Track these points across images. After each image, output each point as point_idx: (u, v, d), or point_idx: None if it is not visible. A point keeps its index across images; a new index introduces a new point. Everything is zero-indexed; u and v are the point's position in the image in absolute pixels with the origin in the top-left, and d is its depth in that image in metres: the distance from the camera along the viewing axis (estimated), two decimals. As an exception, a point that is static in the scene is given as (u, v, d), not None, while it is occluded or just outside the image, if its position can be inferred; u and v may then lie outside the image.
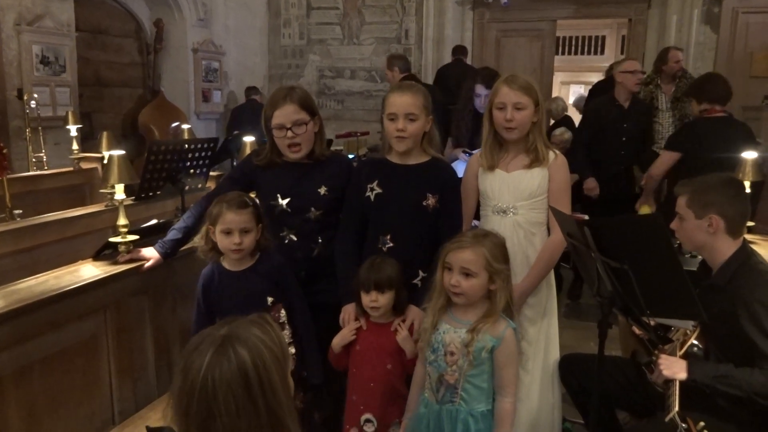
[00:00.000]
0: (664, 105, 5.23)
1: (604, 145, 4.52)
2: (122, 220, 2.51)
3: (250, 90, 7.21)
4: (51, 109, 5.23)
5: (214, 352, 1.08)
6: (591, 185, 4.53)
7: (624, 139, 4.53)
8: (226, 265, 2.24)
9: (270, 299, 2.23)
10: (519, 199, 2.35)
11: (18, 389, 2.03)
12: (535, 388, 2.38)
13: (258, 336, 1.13)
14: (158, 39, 6.68)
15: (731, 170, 3.18)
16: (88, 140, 5.32)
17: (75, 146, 4.44)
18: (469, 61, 7.32)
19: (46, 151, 4.68)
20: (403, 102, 2.24)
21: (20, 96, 4.96)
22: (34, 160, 4.57)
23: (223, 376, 1.06)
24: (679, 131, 4.43)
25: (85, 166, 4.57)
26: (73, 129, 4.37)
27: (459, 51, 6.67)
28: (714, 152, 3.68)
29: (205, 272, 2.26)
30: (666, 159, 4.10)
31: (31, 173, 4.39)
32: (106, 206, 3.59)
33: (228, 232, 2.14)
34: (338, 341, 2.24)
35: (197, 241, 2.30)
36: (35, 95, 4.78)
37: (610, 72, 5.61)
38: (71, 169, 4.52)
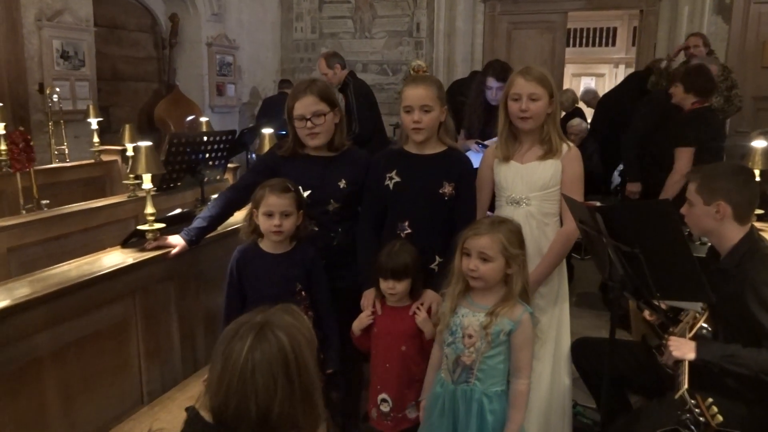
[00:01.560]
0: None
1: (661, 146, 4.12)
2: (149, 209, 2.60)
3: (283, 83, 7.36)
4: (71, 103, 5.33)
5: (254, 336, 1.17)
6: (635, 189, 4.33)
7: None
8: (263, 247, 2.33)
9: (299, 285, 2.33)
10: (532, 190, 2.41)
11: (55, 369, 2.13)
12: (547, 374, 2.45)
13: (291, 322, 1.23)
14: (173, 33, 6.76)
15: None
16: (105, 134, 5.41)
17: (96, 139, 4.55)
18: (479, 54, 7.38)
19: (67, 144, 4.79)
20: (417, 94, 2.32)
21: (41, 90, 5.07)
22: (56, 152, 4.67)
23: (264, 357, 1.15)
24: (688, 126, 4.22)
25: (105, 158, 4.68)
26: (93, 122, 4.47)
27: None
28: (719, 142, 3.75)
29: (242, 248, 2.35)
30: (687, 155, 3.90)
31: (53, 165, 4.50)
32: (128, 197, 3.69)
33: (270, 215, 2.24)
34: (357, 325, 2.35)
35: (240, 222, 2.40)
36: (57, 89, 4.87)
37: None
38: (92, 161, 4.63)
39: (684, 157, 3.84)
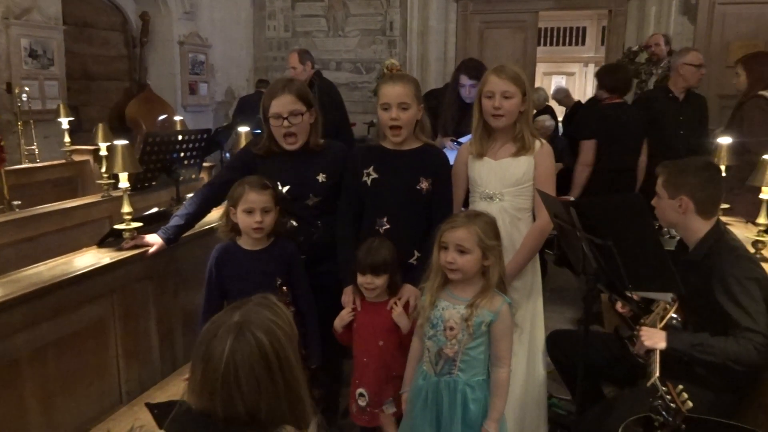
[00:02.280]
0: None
1: (657, 137, 4.15)
2: (126, 208, 2.58)
3: (261, 82, 7.33)
4: (40, 103, 5.25)
5: (234, 338, 1.15)
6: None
7: (681, 132, 4.23)
8: (242, 244, 2.34)
9: (279, 281, 2.34)
10: (505, 186, 2.45)
11: (33, 370, 2.11)
12: (522, 367, 2.49)
13: (270, 318, 1.21)
14: (144, 32, 6.69)
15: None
16: (76, 133, 5.33)
17: (66, 139, 4.48)
18: (452, 52, 7.45)
19: (37, 144, 4.71)
20: (395, 92, 2.35)
21: (9, 89, 4.98)
22: (26, 153, 4.60)
23: (245, 359, 1.14)
24: (588, 120, 4.35)
25: (77, 158, 4.62)
26: (64, 122, 4.41)
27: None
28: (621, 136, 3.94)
29: (221, 247, 2.36)
30: (588, 147, 4.08)
31: (24, 166, 4.43)
32: (102, 197, 3.65)
33: (250, 211, 2.25)
34: (338, 322, 2.37)
35: (217, 221, 2.40)
36: (26, 88, 4.79)
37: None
38: (63, 161, 4.56)
39: (584, 149, 4.06)
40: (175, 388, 2.40)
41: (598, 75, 4.40)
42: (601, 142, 4.00)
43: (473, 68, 3.61)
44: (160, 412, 1.23)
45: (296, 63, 5.06)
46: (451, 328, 2.06)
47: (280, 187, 2.46)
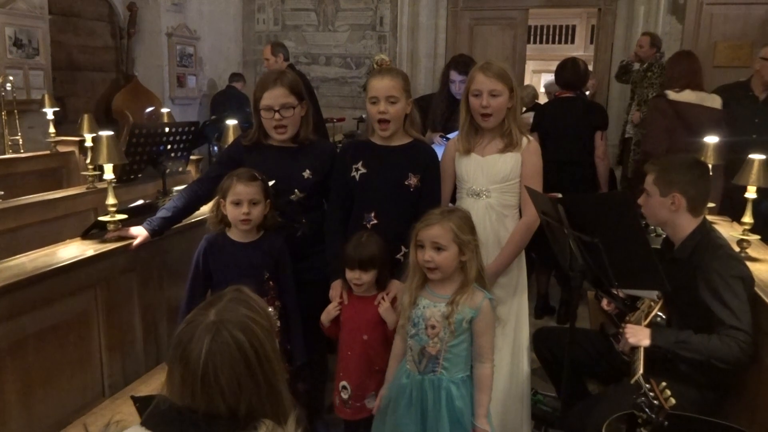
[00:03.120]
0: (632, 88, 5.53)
1: (730, 136, 3.68)
2: (111, 200, 2.55)
3: (234, 76, 7.25)
4: (24, 93, 5.18)
5: (211, 339, 1.13)
6: None
7: (753, 136, 3.85)
8: (231, 235, 2.33)
9: (266, 274, 2.33)
10: (492, 183, 2.45)
11: (14, 362, 2.08)
12: (506, 364, 2.49)
13: (247, 315, 1.19)
14: (131, 23, 6.61)
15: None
16: (61, 124, 5.26)
17: (51, 129, 4.42)
18: (442, 49, 7.44)
19: (21, 134, 4.64)
20: (383, 85, 2.34)
21: (-7, 79, 4.91)
22: (9, 143, 4.53)
23: (224, 360, 1.12)
24: (535, 114, 4.45)
25: (62, 149, 4.56)
26: (49, 112, 4.34)
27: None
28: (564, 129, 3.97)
29: (210, 237, 2.35)
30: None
31: (7, 156, 4.36)
32: (87, 188, 3.62)
33: (237, 203, 2.24)
34: (325, 317, 2.36)
35: (204, 214, 2.38)
36: (10, 78, 4.72)
37: None
38: (48, 152, 4.51)
39: None
40: (158, 382, 2.38)
41: (555, 72, 4.38)
42: (542, 135, 3.99)
43: (463, 64, 3.61)
44: (141, 405, 1.21)
45: (269, 55, 5.14)
46: (433, 327, 2.05)
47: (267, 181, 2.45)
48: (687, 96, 3.93)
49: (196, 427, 1.11)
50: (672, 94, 4.07)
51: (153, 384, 2.40)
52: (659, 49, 5.67)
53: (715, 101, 4.01)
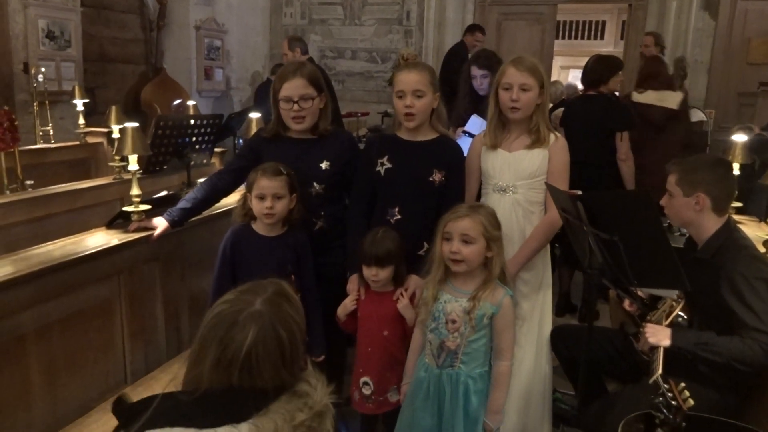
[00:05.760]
0: None
1: None
2: (135, 190, 2.60)
3: (277, 67, 7.32)
4: (56, 84, 5.28)
5: (258, 330, 1.18)
6: None
7: None
8: (257, 229, 2.36)
9: (290, 269, 2.35)
10: (519, 179, 2.43)
11: (39, 346, 2.14)
12: (528, 360, 2.48)
13: (288, 312, 1.24)
14: (161, 16, 6.70)
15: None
16: (91, 115, 5.37)
17: (81, 120, 4.50)
18: (469, 43, 7.40)
19: (52, 125, 4.74)
20: (410, 79, 2.34)
21: (26, 70, 5.02)
22: (41, 133, 4.63)
23: (267, 350, 1.18)
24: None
25: (91, 140, 4.64)
26: (79, 103, 4.43)
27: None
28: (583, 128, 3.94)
29: (236, 229, 2.37)
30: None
31: (38, 146, 4.46)
32: (114, 179, 3.68)
33: (261, 197, 2.27)
34: (341, 311, 2.37)
35: (229, 204, 2.39)
36: (42, 69, 4.82)
37: None
38: (77, 143, 4.59)
39: None
40: (180, 371, 2.42)
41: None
42: (566, 133, 3.90)
43: (484, 58, 3.59)
44: (128, 420, 1.17)
45: (286, 50, 5.27)
46: (453, 321, 2.06)
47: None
48: (648, 97, 4.24)
49: (245, 400, 1.15)
50: (635, 95, 4.52)
51: (174, 372, 2.43)
52: (663, 48, 5.66)
53: (673, 101, 4.39)
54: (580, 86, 6.10)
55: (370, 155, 2.47)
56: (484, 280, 2.06)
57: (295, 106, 2.40)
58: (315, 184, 2.46)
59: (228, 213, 2.50)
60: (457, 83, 3.86)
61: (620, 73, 4.11)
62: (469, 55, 5.33)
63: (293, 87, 2.40)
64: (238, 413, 1.14)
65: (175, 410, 1.15)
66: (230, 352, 1.16)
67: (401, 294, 2.31)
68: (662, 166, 3.39)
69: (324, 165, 2.47)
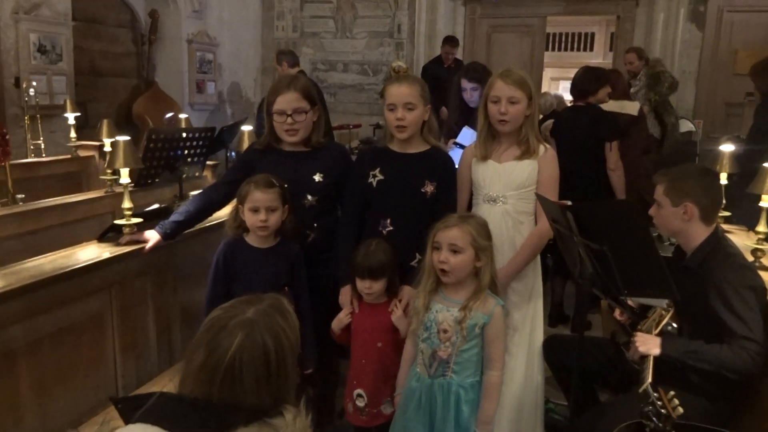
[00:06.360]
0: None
1: None
2: (127, 203, 2.60)
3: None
4: (48, 98, 5.28)
5: (244, 336, 1.18)
6: None
7: None
8: (250, 241, 2.35)
9: (283, 280, 2.36)
10: (509, 189, 2.45)
11: (29, 361, 2.13)
12: (520, 370, 2.49)
13: (281, 325, 1.24)
14: (153, 29, 6.71)
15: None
16: (83, 129, 5.36)
17: (72, 134, 4.50)
18: (460, 56, 7.45)
19: (43, 139, 4.74)
20: (401, 92, 2.36)
21: (17, 84, 5.01)
22: (32, 147, 4.62)
23: (252, 358, 1.17)
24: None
25: (82, 153, 4.64)
26: (71, 117, 4.43)
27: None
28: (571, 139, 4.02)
29: (229, 242, 2.37)
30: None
31: (29, 160, 4.44)
32: (105, 192, 3.68)
33: (255, 210, 2.26)
34: (336, 324, 2.37)
35: (221, 217, 2.40)
36: (33, 83, 4.82)
37: None
38: (69, 156, 4.59)
39: None
40: (171, 384, 2.41)
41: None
42: (556, 143, 4.02)
43: (473, 71, 3.62)
44: (125, 406, 1.22)
45: (275, 64, 5.46)
46: (445, 331, 2.07)
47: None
48: (609, 106, 4.29)
49: (211, 416, 1.14)
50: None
51: (166, 387, 2.42)
52: (647, 61, 5.73)
53: (633, 109, 4.53)
54: (568, 97, 6.19)
55: (362, 167, 2.48)
56: (474, 290, 2.07)
57: (289, 119, 2.41)
58: (308, 195, 2.47)
59: (220, 225, 2.49)
60: (440, 94, 3.90)
61: (608, 84, 4.17)
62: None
63: (286, 100, 2.41)
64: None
65: (163, 410, 1.15)
66: (216, 356, 1.17)
67: (395, 305, 2.32)
68: (628, 170, 3.79)
69: (317, 177, 2.48)
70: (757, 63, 4.70)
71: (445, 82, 5.09)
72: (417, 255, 2.40)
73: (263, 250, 2.35)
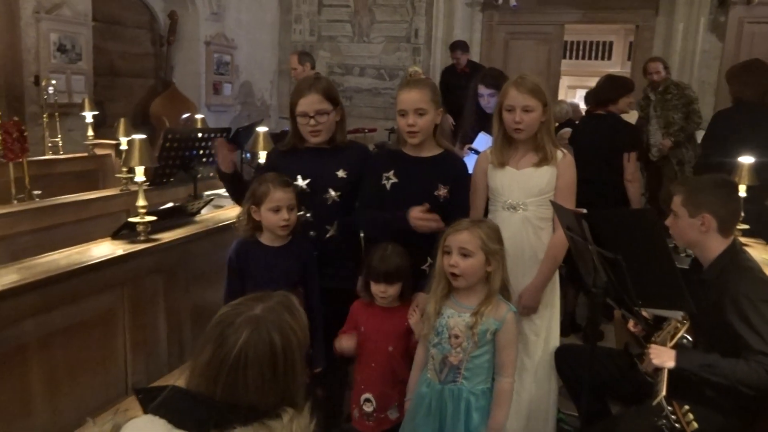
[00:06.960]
0: (653, 113, 5.46)
1: None
2: (141, 201, 2.62)
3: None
4: (66, 96, 5.33)
5: (251, 332, 1.18)
6: None
7: None
8: (263, 240, 2.35)
9: (296, 278, 2.35)
10: (529, 196, 2.44)
11: (41, 355, 2.14)
12: (532, 379, 2.48)
13: (288, 322, 1.23)
14: (171, 31, 6.76)
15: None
16: (100, 128, 5.40)
17: (90, 132, 4.55)
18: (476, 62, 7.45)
19: (61, 137, 4.78)
20: (411, 98, 2.35)
21: (37, 82, 5.06)
22: (49, 144, 4.67)
23: (257, 355, 1.17)
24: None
25: (99, 152, 4.69)
26: (88, 116, 4.48)
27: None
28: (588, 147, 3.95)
29: (241, 241, 2.36)
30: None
31: (47, 157, 4.49)
32: (121, 190, 3.71)
33: (277, 210, 2.26)
34: (339, 345, 2.35)
35: (231, 217, 2.40)
36: (53, 82, 4.87)
37: None
38: (85, 154, 4.63)
39: None
40: (181, 382, 2.41)
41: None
42: (575, 151, 3.95)
43: (491, 77, 3.60)
44: (145, 397, 1.24)
45: (296, 64, 5.38)
46: (456, 336, 2.05)
47: (300, 181, 2.47)
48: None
49: (210, 413, 1.14)
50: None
51: (177, 383, 2.43)
52: (669, 72, 5.68)
53: (631, 118, 4.57)
54: (582, 106, 6.15)
55: (376, 168, 2.48)
56: (486, 295, 2.05)
57: (312, 121, 2.42)
58: (331, 191, 2.48)
59: (231, 226, 2.49)
60: (453, 100, 3.89)
61: (630, 94, 4.13)
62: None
63: (309, 102, 2.42)
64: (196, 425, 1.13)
65: (172, 404, 1.16)
66: (222, 351, 1.17)
67: (413, 310, 2.30)
68: None
69: (341, 173, 2.49)
70: (734, 66, 4.60)
71: (458, 89, 5.08)
72: (429, 259, 2.39)
73: (276, 248, 2.34)
